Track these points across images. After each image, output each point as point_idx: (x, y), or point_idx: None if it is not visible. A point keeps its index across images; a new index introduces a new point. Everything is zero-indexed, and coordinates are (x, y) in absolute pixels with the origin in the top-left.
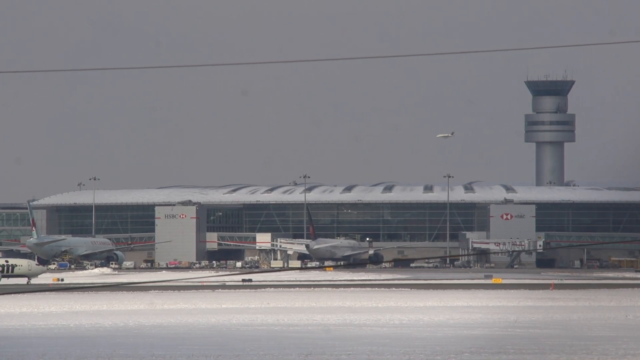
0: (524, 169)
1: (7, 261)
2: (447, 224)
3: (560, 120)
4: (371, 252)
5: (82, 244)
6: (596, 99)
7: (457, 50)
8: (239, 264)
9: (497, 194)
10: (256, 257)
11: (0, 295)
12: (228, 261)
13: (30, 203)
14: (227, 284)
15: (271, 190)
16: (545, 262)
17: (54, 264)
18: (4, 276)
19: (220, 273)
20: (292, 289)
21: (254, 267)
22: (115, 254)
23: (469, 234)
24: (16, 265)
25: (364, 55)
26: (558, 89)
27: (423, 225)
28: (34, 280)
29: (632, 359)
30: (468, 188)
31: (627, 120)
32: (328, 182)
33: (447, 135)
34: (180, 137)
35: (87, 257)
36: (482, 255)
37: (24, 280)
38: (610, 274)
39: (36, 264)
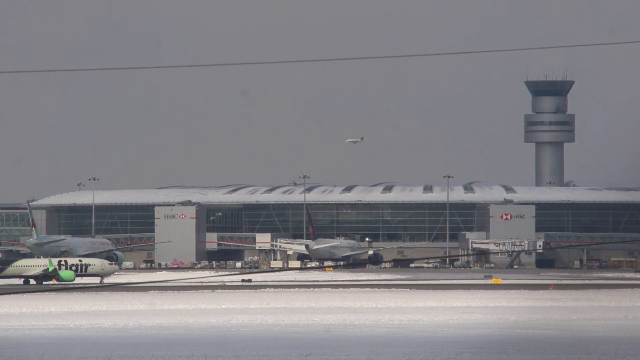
0: (523, 169)
1: (80, 260)
2: (446, 224)
3: (559, 120)
4: (371, 252)
5: (81, 244)
6: (596, 99)
7: (457, 50)
8: (238, 264)
9: (496, 194)
10: (256, 258)
11: (0, 295)
12: (228, 261)
13: (30, 203)
14: (227, 284)
15: (271, 190)
16: (544, 262)
17: None
18: (78, 275)
19: (220, 273)
20: (291, 289)
21: (254, 268)
22: (114, 254)
23: (468, 234)
24: (89, 265)
25: (364, 55)
26: (558, 89)
27: (423, 226)
28: (106, 279)
29: (632, 359)
30: (468, 188)
31: (627, 120)
32: (328, 183)
33: (356, 140)
34: (180, 137)
35: (87, 257)
36: (482, 256)
37: (97, 279)
38: (610, 274)
39: (109, 264)
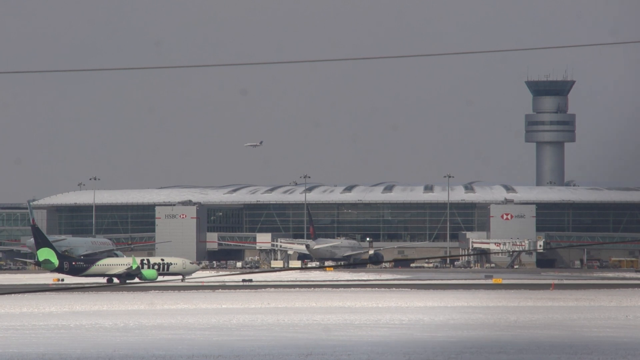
0: (524, 169)
1: (162, 259)
2: (447, 224)
3: (560, 120)
4: (371, 252)
5: (82, 244)
6: (596, 99)
7: (457, 50)
8: (239, 264)
9: (497, 194)
10: (256, 257)
11: (1, 295)
12: (228, 261)
13: (30, 203)
14: (227, 284)
15: (271, 190)
16: (545, 262)
17: None
18: (160, 274)
19: (221, 273)
20: (292, 289)
21: (254, 267)
22: (115, 254)
23: (469, 234)
24: (171, 264)
25: (364, 55)
26: (558, 89)
27: (423, 225)
28: (188, 278)
29: (633, 359)
30: (468, 188)
31: (627, 120)
32: (328, 182)
33: (255, 144)
34: (180, 137)
35: (88, 257)
36: (482, 256)
37: (178, 278)
38: (610, 274)
39: (190, 262)
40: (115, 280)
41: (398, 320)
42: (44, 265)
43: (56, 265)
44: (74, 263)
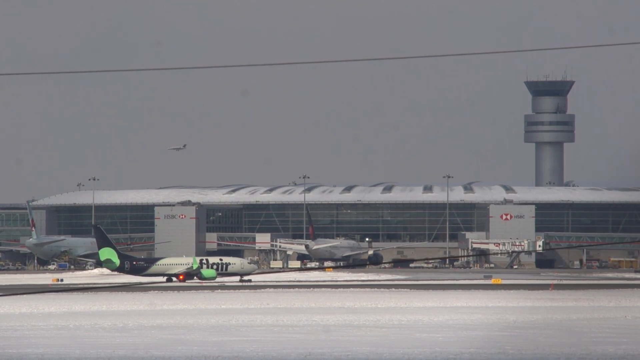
0: (523, 169)
1: (221, 259)
2: (446, 224)
3: (559, 120)
4: (371, 252)
5: (81, 244)
6: (596, 99)
7: (457, 50)
8: None
9: (496, 194)
10: (256, 258)
11: (0, 295)
12: None
13: (30, 203)
14: (227, 284)
15: (271, 190)
16: (544, 262)
17: (53, 264)
18: (218, 274)
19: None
20: (291, 290)
21: None
22: None
23: (468, 234)
24: (229, 264)
25: (364, 55)
26: (558, 90)
27: (422, 226)
28: (245, 278)
29: (632, 359)
30: (467, 188)
31: (627, 120)
32: (328, 183)
33: (178, 147)
34: (180, 137)
35: (87, 257)
36: (482, 256)
37: (236, 278)
38: (610, 274)
39: (248, 262)
40: (175, 279)
41: (397, 320)
42: (106, 265)
43: (117, 265)
44: (134, 263)
